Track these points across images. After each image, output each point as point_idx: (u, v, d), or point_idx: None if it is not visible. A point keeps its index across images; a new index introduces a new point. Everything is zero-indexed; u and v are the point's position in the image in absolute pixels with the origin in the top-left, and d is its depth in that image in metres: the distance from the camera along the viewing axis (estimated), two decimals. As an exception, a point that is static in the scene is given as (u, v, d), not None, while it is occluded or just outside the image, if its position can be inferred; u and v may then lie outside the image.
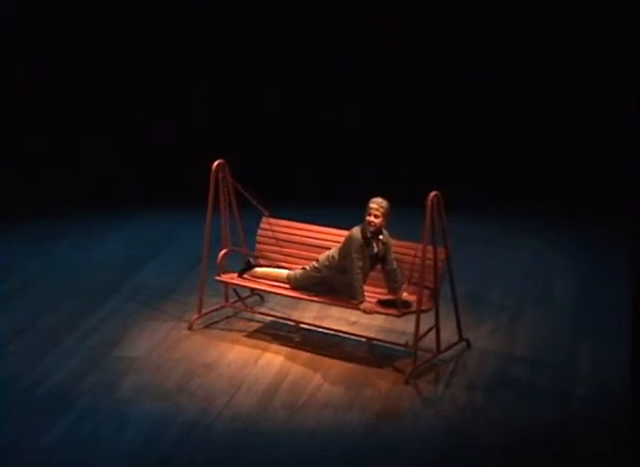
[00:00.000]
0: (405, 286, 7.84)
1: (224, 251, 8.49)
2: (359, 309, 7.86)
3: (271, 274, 8.32)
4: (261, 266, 8.46)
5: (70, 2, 12.01)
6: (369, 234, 7.79)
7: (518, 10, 11.50)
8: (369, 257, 7.84)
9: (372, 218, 7.77)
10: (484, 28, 11.63)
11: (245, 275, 8.39)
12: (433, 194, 7.57)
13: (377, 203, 7.78)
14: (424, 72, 11.85)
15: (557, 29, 11.44)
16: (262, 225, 8.64)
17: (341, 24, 11.87)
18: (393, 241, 7.94)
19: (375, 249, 7.83)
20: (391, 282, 7.91)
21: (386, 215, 7.79)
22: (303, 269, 8.12)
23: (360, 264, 7.77)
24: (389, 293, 7.92)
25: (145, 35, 12.04)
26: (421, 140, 11.79)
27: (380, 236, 7.84)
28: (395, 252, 7.95)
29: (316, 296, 8.07)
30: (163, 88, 12.22)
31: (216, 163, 8.41)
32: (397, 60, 11.83)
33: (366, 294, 7.86)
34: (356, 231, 7.81)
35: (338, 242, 8.04)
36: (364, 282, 7.88)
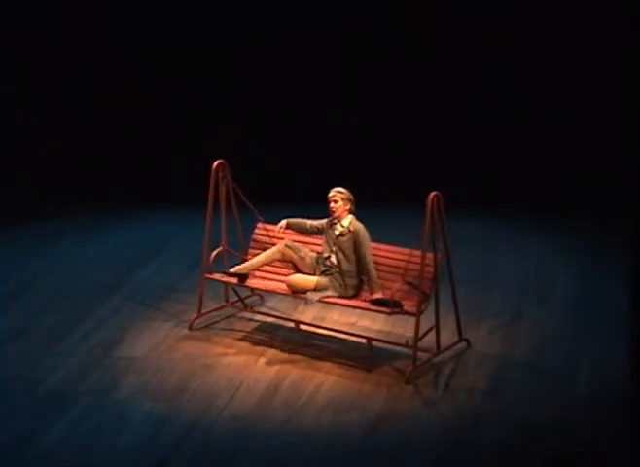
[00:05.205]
0: (376, 284, 7.89)
1: (217, 250, 8.47)
2: (358, 309, 7.87)
3: (260, 260, 8.33)
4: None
5: (69, 2, 12.03)
6: (333, 220, 8.04)
7: (519, 9, 11.50)
8: (331, 238, 8.03)
9: (330, 205, 8.04)
10: (485, 28, 11.63)
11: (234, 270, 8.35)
12: (433, 194, 7.57)
13: (333, 190, 8.05)
14: (423, 72, 11.84)
15: (558, 29, 11.44)
16: (256, 230, 8.61)
17: (338, 23, 11.86)
18: (367, 235, 7.97)
19: (338, 231, 8.00)
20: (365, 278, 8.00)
21: (346, 199, 8.00)
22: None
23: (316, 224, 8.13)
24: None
25: (145, 34, 12.03)
26: (421, 140, 11.79)
27: (344, 222, 7.99)
28: (389, 257, 7.96)
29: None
30: (163, 87, 12.21)
31: (216, 163, 8.41)
32: (395, 59, 11.83)
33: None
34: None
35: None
36: (344, 279, 7.97)
